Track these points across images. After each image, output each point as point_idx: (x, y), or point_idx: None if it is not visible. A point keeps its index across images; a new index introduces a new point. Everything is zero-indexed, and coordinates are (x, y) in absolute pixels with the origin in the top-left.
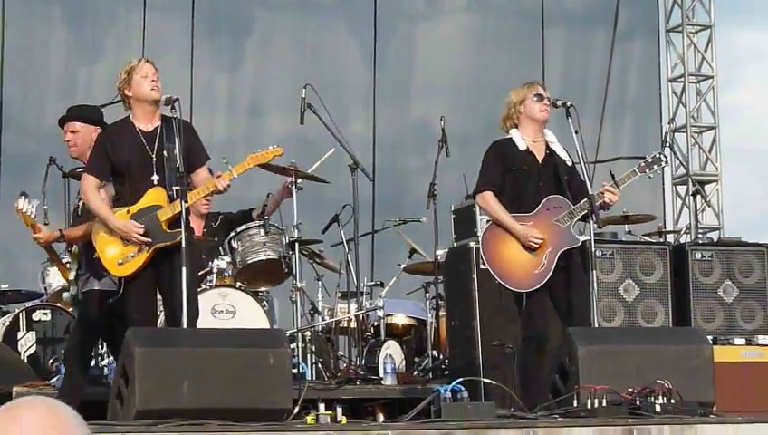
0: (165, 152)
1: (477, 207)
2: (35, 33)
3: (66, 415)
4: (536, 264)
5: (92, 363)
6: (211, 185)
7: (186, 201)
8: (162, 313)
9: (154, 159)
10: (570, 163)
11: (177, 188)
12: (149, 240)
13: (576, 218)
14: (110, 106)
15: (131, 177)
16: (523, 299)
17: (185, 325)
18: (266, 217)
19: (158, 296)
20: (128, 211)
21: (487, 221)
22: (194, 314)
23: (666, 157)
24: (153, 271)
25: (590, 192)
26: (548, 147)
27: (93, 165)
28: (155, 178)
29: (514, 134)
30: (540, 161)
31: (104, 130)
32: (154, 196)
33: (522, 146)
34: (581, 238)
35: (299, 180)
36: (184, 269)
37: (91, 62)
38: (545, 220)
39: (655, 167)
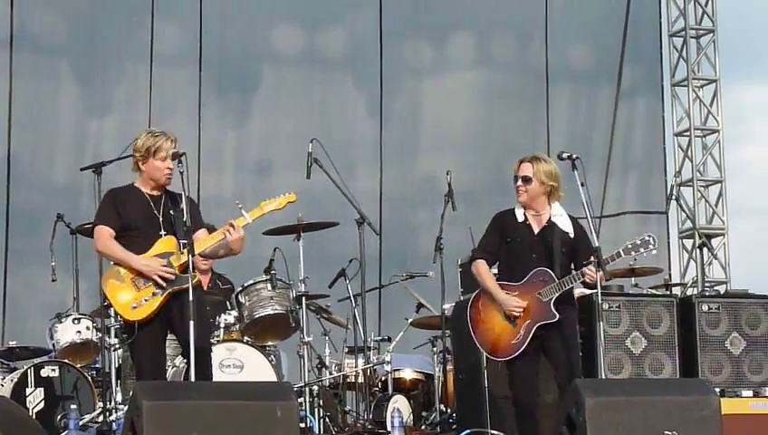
0: (171, 211)
1: None
2: (43, 89)
3: None
4: (513, 334)
5: (101, 418)
6: (222, 231)
7: (193, 254)
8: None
9: (161, 219)
10: (572, 235)
11: (185, 242)
12: (175, 271)
13: (555, 295)
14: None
15: (140, 232)
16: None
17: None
18: (273, 272)
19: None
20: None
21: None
22: (208, 353)
23: (655, 240)
24: (164, 318)
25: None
26: (549, 219)
27: (105, 217)
28: (162, 233)
29: (518, 206)
30: (535, 233)
31: (111, 191)
32: (165, 244)
33: (520, 218)
34: (567, 309)
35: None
36: (191, 304)
37: (99, 116)
38: (529, 292)
39: (641, 250)
